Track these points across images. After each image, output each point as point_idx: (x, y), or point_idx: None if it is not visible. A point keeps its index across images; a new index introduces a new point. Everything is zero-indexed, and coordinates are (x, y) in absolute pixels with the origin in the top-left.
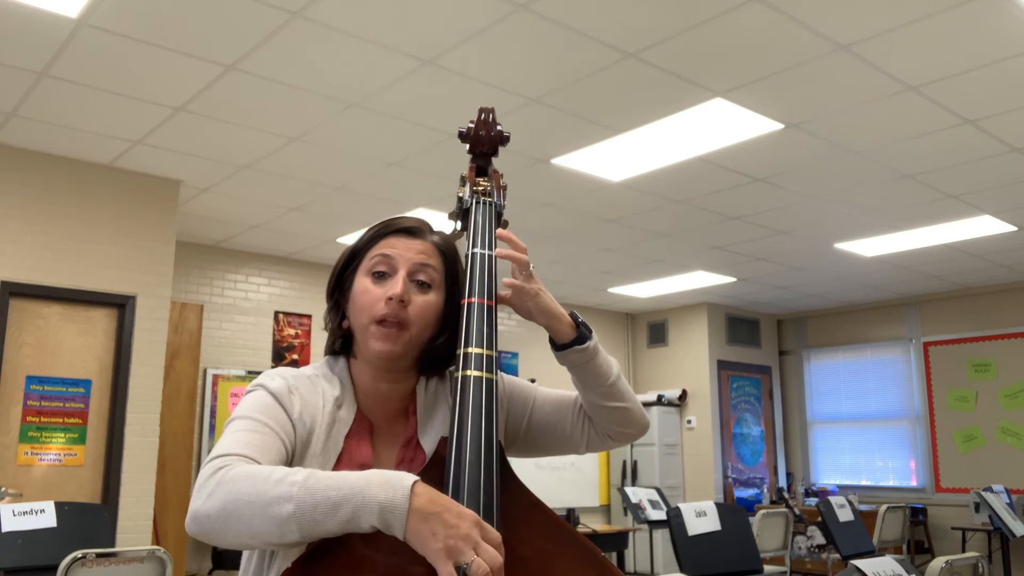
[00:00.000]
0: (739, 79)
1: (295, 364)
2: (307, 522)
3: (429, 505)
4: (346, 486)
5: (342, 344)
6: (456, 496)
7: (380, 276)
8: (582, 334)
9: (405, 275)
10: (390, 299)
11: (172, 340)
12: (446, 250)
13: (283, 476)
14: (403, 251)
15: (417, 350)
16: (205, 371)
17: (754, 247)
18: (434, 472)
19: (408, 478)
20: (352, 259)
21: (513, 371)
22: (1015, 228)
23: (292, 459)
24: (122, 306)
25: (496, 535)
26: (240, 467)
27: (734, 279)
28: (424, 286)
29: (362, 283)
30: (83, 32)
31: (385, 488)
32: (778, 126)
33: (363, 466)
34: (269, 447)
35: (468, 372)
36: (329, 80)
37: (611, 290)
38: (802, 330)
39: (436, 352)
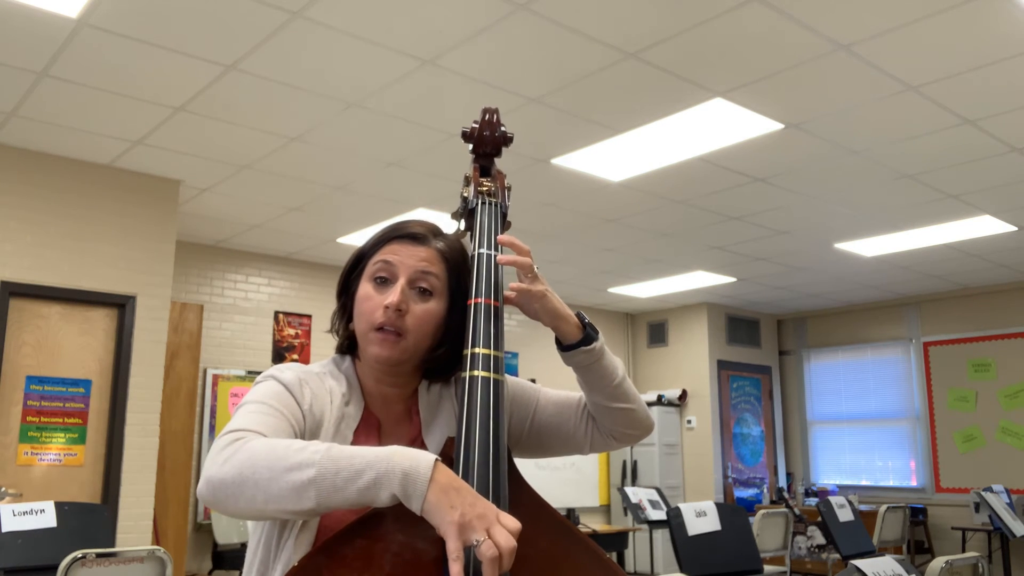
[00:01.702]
0: (739, 79)
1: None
2: (326, 488)
3: (450, 481)
4: (370, 455)
5: (349, 345)
6: None
7: (382, 282)
8: (588, 335)
9: (405, 283)
10: (387, 308)
11: (172, 340)
12: (451, 256)
13: (304, 445)
14: (405, 258)
15: (417, 357)
16: (205, 371)
17: (754, 247)
18: None
19: (431, 455)
20: (358, 263)
21: (513, 371)
22: (1015, 228)
23: None
24: (122, 306)
25: (515, 523)
26: (259, 439)
27: (734, 279)
28: (425, 294)
29: (364, 289)
30: (83, 32)
31: (410, 459)
32: (778, 126)
33: None
34: (280, 429)
35: (475, 372)
36: (329, 80)
37: (611, 290)
38: (802, 330)
39: (437, 362)
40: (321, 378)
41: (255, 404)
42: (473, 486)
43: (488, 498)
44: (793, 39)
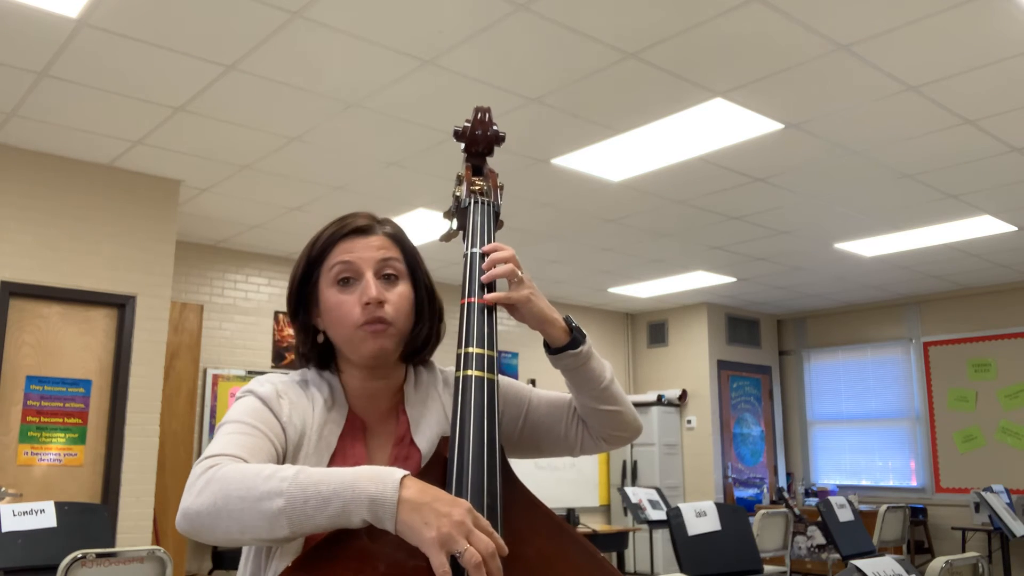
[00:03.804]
0: (739, 79)
1: (295, 364)
2: (297, 517)
3: (419, 496)
4: (336, 481)
5: (322, 359)
6: (459, 496)
7: (346, 283)
8: (575, 339)
9: (372, 275)
10: (367, 304)
11: (172, 340)
12: (401, 238)
13: (273, 472)
14: (362, 252)
15: (404, 343)
16: (205, 371)
17: (754, 247)
18: (436, 472)
19: (398, 472)
20: (309, 274)
21: (513, 371)
22: (1015, 228)
23: (284, 461)
24: (122, 306)
25: (486, 523)
26: (230, 465)
27: (734, 279)
28: (392, 279)
29: (331, 296)
30: (83, 32)
31: (375, 481)
32: (778, 126)
33: (357, 465)
34: (259, 449)
35: (468, 372)
36: (329, 80)
37: (611, 290)
38: (802, 330)
39: (416, 341)
40: (302, 386)
41: (233, 424)
42: (467, 486)
43: (484, 498)
44: (793, 39)
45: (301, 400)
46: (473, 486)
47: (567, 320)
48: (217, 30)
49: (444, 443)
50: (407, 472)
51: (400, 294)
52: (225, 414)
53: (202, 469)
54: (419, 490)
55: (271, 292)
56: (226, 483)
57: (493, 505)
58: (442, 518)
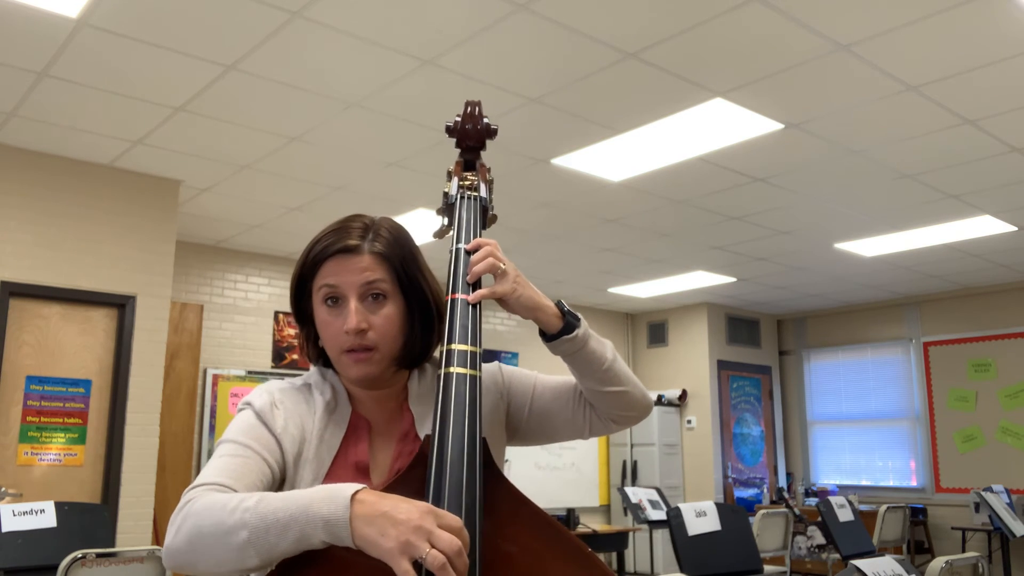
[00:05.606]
0: (739, 79)
1: (295, 364)
2: (263, 546)
3: (372, 509)
4: (292, 506)
5: (326, 360)
6: (438, 495)
7: (334, 303)
8: (569, 323)
9: (356, 301)
10: (347, 333)
11: (172, 340)
12: (390, 253)
13: (237, 503)
14: (346, 276)
15: (394, 361)
16: (205, 371)
17: (754, 247)
18: (417, 471)
19: (350, 488)
20: (301, 288)
21: None
22: (1015, 228)
23: (283, 471)
24: (122, 306)
25: (454, 520)
26: (203, 498)
27: (734, 279)
28: (379, 299)
29: (321, 313)
30: (83, 32)
31: (327, 502)
32: (778, 126)
33: (358, 466)
34: (249, 470)
35: (451, 369)
36: (329, 80)
37: (611, 290)
38: (802, 330)
39: (411, 355)
40: (303, 392)
41: (226, 445)
42: (447, 485)
43: (463, 497)
44: (793, 39)
45: (299, 407)
46: (453, 485)
47: (559, 305)
48: (217, 30)
49: (426, 441)
50: (361, 486)
51: (386, 316)
52: (226, 428)
53: (181, 504)
54: (372, 503)
55: (271, 292)
56: (198, 519)
57: (472, 503)
58: (399, 526)
